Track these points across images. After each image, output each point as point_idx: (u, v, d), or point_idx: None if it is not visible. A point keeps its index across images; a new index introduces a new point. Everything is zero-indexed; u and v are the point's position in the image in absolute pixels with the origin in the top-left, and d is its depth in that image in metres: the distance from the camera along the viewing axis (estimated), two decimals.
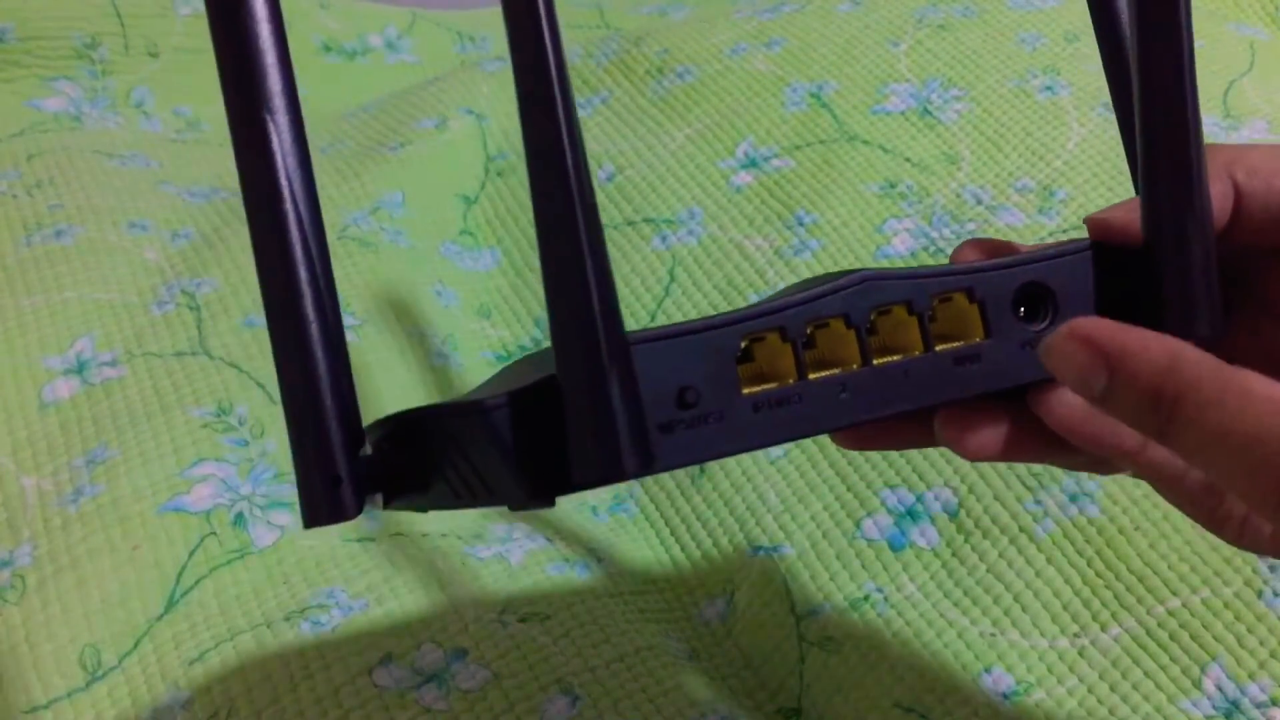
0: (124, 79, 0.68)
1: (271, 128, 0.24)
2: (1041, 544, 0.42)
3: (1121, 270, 0.27)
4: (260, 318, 0.50)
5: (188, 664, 0.39)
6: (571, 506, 0.49)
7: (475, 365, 0.54)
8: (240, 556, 0.42)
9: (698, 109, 0.63)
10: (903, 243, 0.54)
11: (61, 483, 0.44)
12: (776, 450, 0.48)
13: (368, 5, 0.80)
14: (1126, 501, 0.42)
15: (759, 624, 0.43)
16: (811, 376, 0.25)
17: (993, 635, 0.40)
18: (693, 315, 0.53)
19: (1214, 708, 0.37)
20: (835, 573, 0.43)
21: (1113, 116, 0.58)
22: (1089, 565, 0.41)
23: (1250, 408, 0.20)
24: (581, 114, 0.65)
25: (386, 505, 0.26)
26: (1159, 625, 0.39)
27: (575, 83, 0.68)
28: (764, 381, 0.24)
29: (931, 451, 0.45)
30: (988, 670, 0.39)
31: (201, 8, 0.70)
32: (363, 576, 0.42)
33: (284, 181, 0.24)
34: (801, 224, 0.56)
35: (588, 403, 0.21)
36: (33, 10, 0.66)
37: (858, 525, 0.44)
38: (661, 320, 0.54)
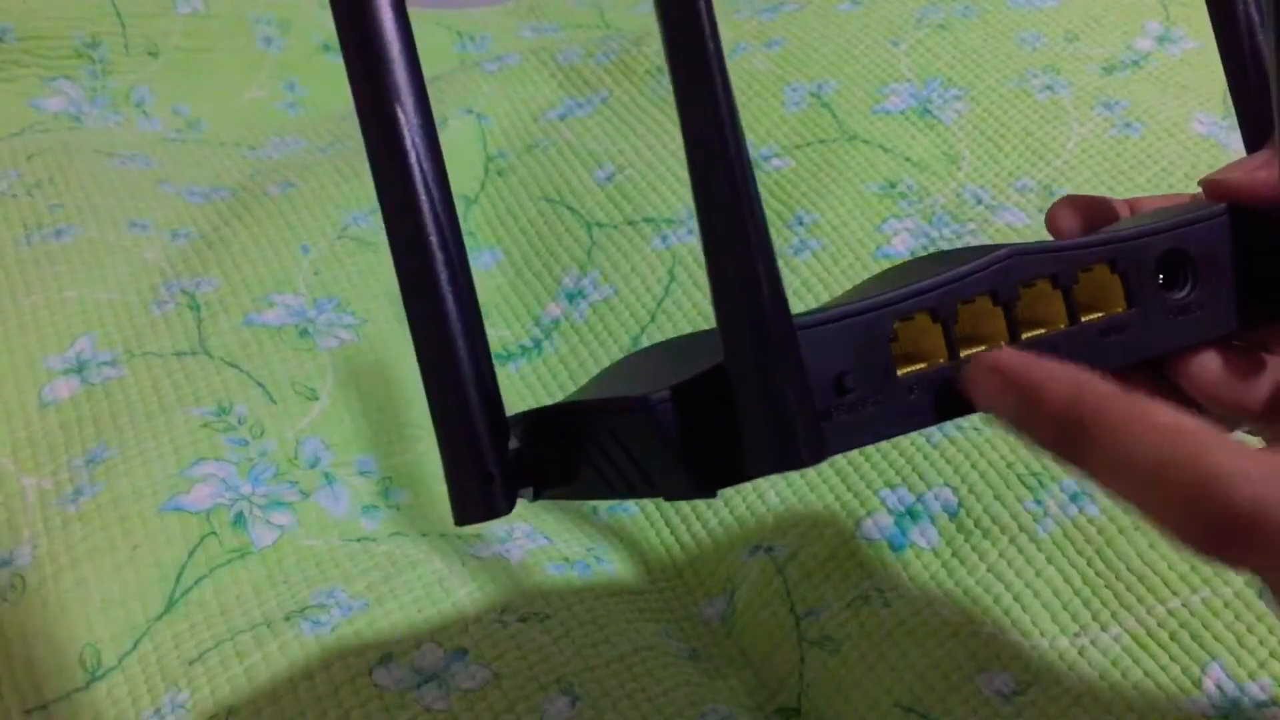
0: (124, 78, 0.68)
1: (402, 118, 0.24)
2: (1041, 544, 0.42)
3: (1258, 233, 0.26)
4: (259, 316, 0.50)
5: (187, 664, 0.39)
6: (571, 507, 0.49)
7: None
8: (240, 556, 0.42)
9: None
10: (903, 242, 0.54)
11: (61, 482, 0.44)
12: None
13: None
14: None
15: (759, 624, 0.43)
16: (963, 355, 0.24)
17: (993, 635, 0.40)
18: (693, 315, 0.53)
19: (1214, 707, 0.37)
20: (835, 573, 0.43)
21: (1112, 115, 0.58)
22: (1089, 565, 0.41)
23: (1153, 437, 0.21)
24: (581, 114, 0.65)
25: (536, 498, 0.26)
26: (1159, 625, 0.39)
27: (575, 82, 0.68)
28: (914, 362, 0.24)
29: (932, 451, 0.45)
30: (988, 670, 0.39)
31: (200, 7, 0.70)
32: (363, 576, 0.42)
33: (418, 175, 0.24)
34: (801, 223, 0.56)
35: (761, 393, 0.21)
36: (33, 10, 0.66)
37: (858, 525, 0.44)
38: (662, 320, 0.54)
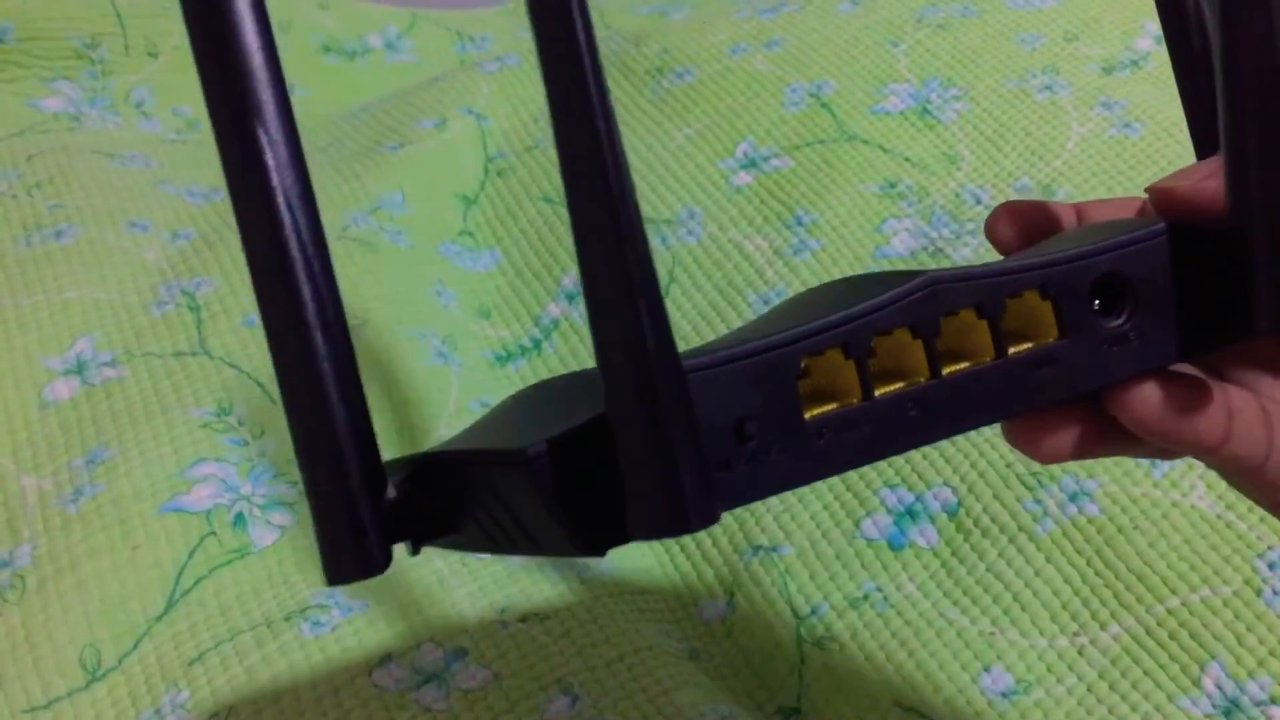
0: (124, 79, 0.68)
1: (265, 142, 0.21)
2: (1041, 543, 0.42)
3: (1200, 252, 0.24)
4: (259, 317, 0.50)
5: (187, 664, 0.39)
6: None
7: (475, 365, 0.54)
8: (240, 556, 0.42)
9: (697, 109, 0.63)
10: (902, 242, 0.54)
11: (61, 483, 0.44)
12: None
13: (367, 5, 0.81)
14: (1126, 501, 0.42)
15: (759, 624, 0.43)
16: (878, 394, 0.22)
17: (992, 634, 0.40)
18: (693, 316, 0.53)
19: (1213, 706, 0.37)
20: (835, 572, 0.43)
21: (1111, 115, 0.58)
22: (1088, 564, 0.41)
23: None
24: None
25: (415, 552, 0.24)
26: (1158, 624, 0.39)
27: None
28: (824, 401, 0.22)
29: (931, 451, 0.45)
30: (987, 669, 0.39)
31: None
32: None
33: (282, 205, 0.21)
34: (801, 224, 0.56)
35: (645, 449, 0.19)
36: (33, 11, 0.66)
37: (857, 525, 0.44)
38: None
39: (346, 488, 0.21)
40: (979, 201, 0.56)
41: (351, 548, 0.22)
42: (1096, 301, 0.24)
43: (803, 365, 0.21)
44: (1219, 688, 0.37)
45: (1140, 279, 0.24)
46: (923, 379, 0.23)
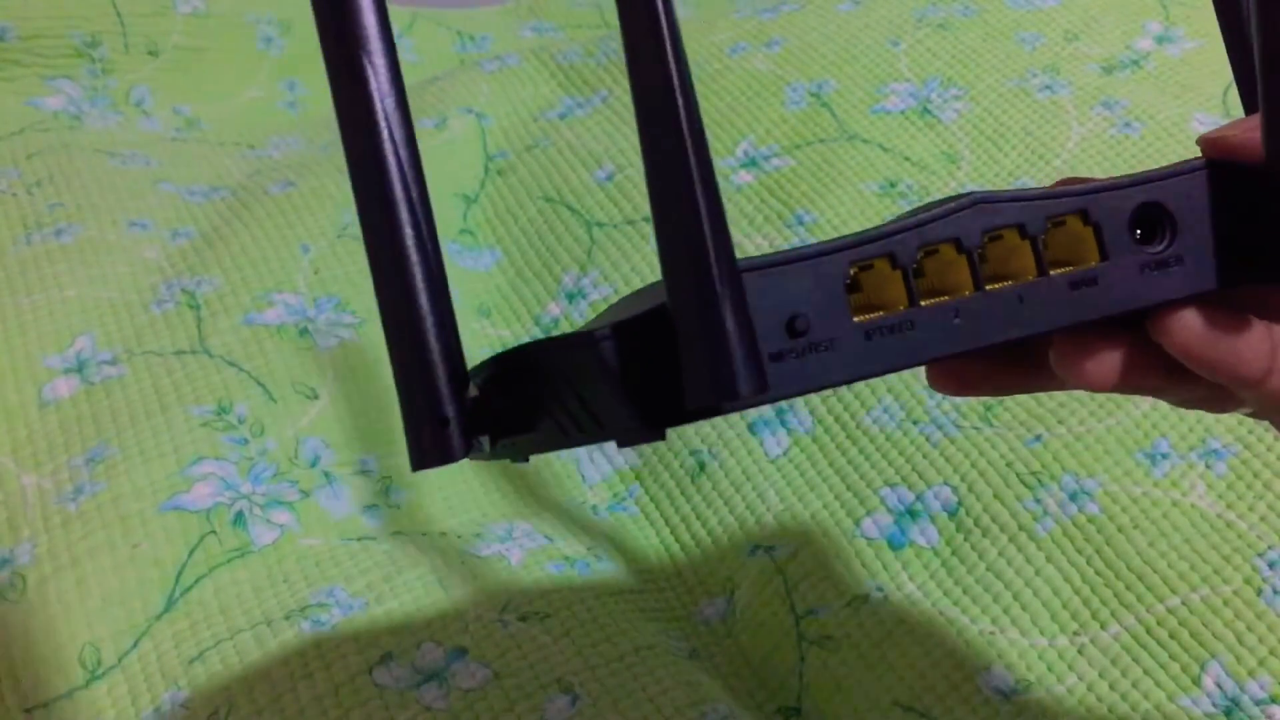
0: (124, 78, 0.68)
1: (369, 70, 0.23)
2: (1041, 542, 0.42)
3: (1239, 189, 0.26)
4: (259, 315, 0.50)
5: (187, 662, 0.39)
6: (572, 506, 0.49)
7: (476, 364, 0.54)
8: (240, 555, 0.42)
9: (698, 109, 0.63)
10: None
11: (61, 481, 0.44)
12: (776, 449, 0.48)
13: None
14: (1126, 500, 0.43)
15: (759, 623, 0.43)
16: (924, 303, 0.24)
17: (992, 634, 0.40)
18: None
19: (1213, 705, 0.37)
20: (835, 572, 0.43)
21: (1111, 115, 0.58)
22: (1088, 564, 0.41)
23: None
24: (581, 113, 0.65)
25: (493, 446, 0.26)
26: (1158, 623, 0.39)
27: (575, 82, 0.68)
28: (874, 310, 0.24)
29: (931, 451, 0.45)
30: (987, 669, 0.39)
31: (201, 7, 0.70)
32: (362, 575, 0.42)
33: (383, 125, 0.24)
34: (801, 223, 0.56)
35: (700, 328, 0.21)
36: (33, 9, 0.66)
37: (857, 524, 0.44)
38: None
39: (432, 381, 0.24)
40: None
41: (435, 436, 0.24)
42: (1138, 230, 0.26)
43: (853, 275, 0.23)
44: (1219, 687, 0.37)
45: (1180, 210, 0.26)
46: (968, 292, 0.24)
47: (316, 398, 0.48)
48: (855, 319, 0.23)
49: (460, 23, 0.83)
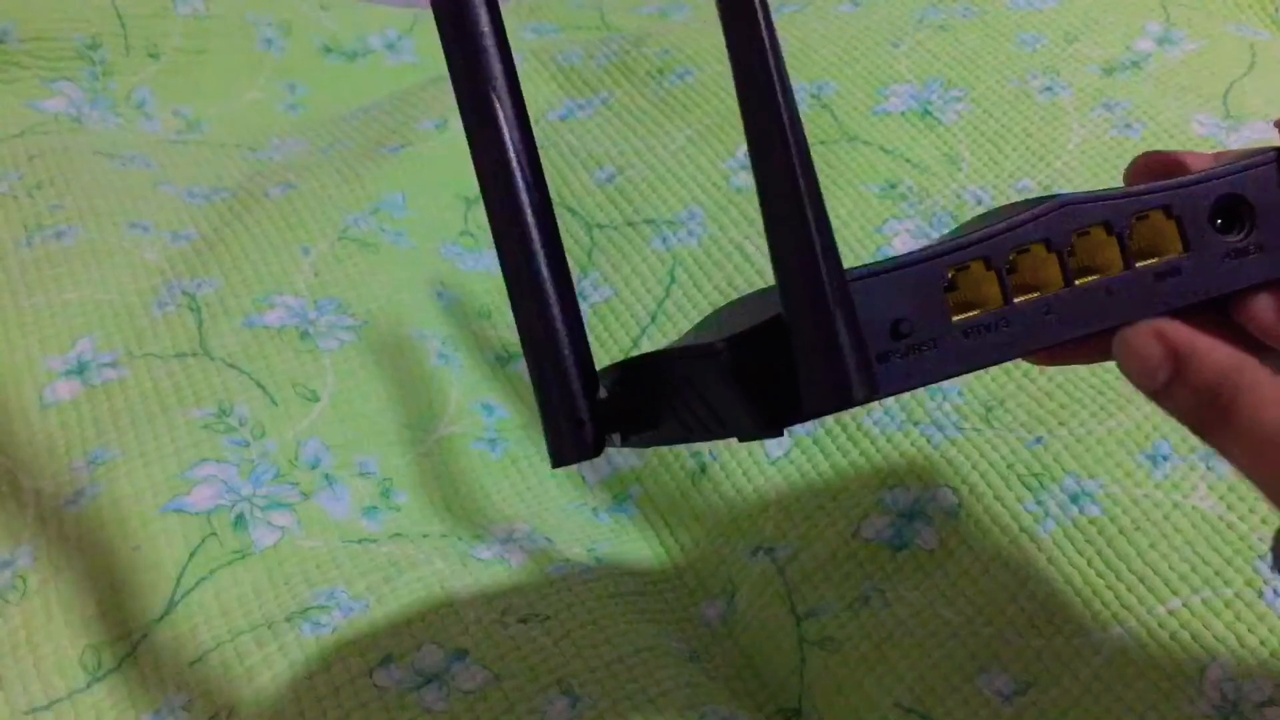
0: (124, 80, 0.68)
1: (497, 105, 0.26)
2: (1042, 543, 0.42)
3: None
4: (260, 317, 0.50)
5: (188, 665, 0.39)
6: (572, 507, 0.49)
7: (476, 366, 0.54)
8: (241, 557, 0.42)
9: (698, 109, 0.63)
10: (903, 243, 0.54)
11: (62, 484, 0.44)
12: (776, 450, 0.48)
13: (368, 6, 0.81)
14: (1127, 502, 0.42)
15: (759, 624, 0.43)
16: (1017, 300, 0.26)
17: (992, 635, 0.40)
18: (694, 316, 0.53)
19: (1214, 708, 0.37)
20: (835, 573, 0.43)
21: (1112, 116, 0.58)
22: (1089, 565, 0.41)
23: None
24: (582, 115, 0.65)
25: (623, 443, 0.28)
26: (1159, 625, 0.39)
27: (576, 84, 0.68)
28: (970, 309, 0.25)
29: (932, 452, 0.45)
30: (987, 670, 0.39)
31: (201, 9, 0.70)
32: (363, 577, 0.42)
33: (511, 152, 0.26)
34: None
35: (816, 340, 0.23)
36: (33, 11, 0.66)
37: (858, 525, 0.44)
38: (662, 321, 0.54)
39: (568, 385, 0.26)
40: (980, 202, 0.56)
41: (572, 435, 0.26)
42: (1217, 220, 0.27)
43: (950, 277, 0.25)
44: (1220, 689, 0.37)
45: (1258, 199, 0.27)
46: (1058, 288, 0.26)
47: (317, 400, 0.48)
48: (955, 318, 0.25)
49: None
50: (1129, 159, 0.60)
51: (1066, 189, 0.55)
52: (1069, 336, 0.26)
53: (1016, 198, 0.55)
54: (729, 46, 0.22)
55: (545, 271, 0.26)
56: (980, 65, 0.62)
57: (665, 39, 0.69)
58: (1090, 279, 0.26)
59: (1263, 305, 0.27)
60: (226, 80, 0.71)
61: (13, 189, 0.56)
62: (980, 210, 0.55)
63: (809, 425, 0.48)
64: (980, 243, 0.25)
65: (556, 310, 0.26)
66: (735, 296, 0.53)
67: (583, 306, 0.55)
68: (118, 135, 0.65)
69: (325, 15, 0.77)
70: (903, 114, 0.60)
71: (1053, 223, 0.26)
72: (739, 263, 0.55)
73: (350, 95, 0.74)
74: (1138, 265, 0.26)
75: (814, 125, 0.61)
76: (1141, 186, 0.27)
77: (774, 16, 0.22)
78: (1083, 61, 0.62)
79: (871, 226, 0.55)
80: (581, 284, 0.56)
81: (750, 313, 0.25)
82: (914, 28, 0.65)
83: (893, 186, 0.57)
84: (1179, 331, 0.25)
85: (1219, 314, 0.28)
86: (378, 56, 0.77)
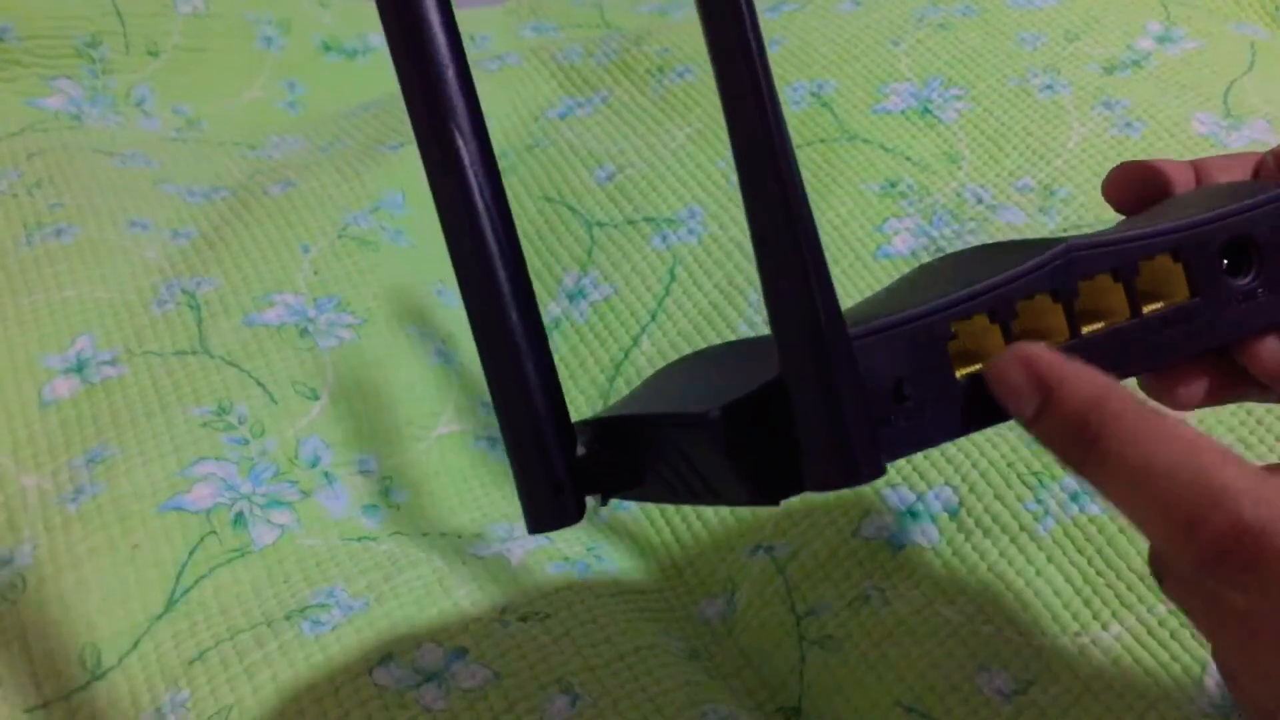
0: (124, 78, 0.68)
1: (459, 140, 0.24)
2: (1042, 543, 0.42)
3: None
4: (259, 315, 0.50)
5: (188, 663, 0.39)
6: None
7: (475, 366, 0.53)
8: (240, 555, 0.42)
9: (698, 108, 0.63)
10: (903, 242, 0.54)
11: (61, 482, 0.44)
12: None
13: (368, 4, 0.80)
14: None
15: (759, 623, 0.43)
16: None
17: (993, 634, 0.40)
18: (693, 315, 0.53)
19: (1213, 706, 0.37)
20: (835, 572, 0.43)
21: (1112, 115, 0.58)
22: (1089, 564, 0.41)
23: (1166, 445, 0.21)
24: (581, 113, 0.65)
25: (604, 504, 0.26)
26: (1159, 624, 0.39)
27: (576, 82, 0.68)
28: (971, 360, 0.24)
29: (932, 451, 0.45)
30: (988, 669, 0.39)
31: (201, 7, 0.70)
32: (363, 576, 0.42)
33: (476, 193, 0.24)
34: None
35: (820, 409, 0.21)
36: (33, 9, 0.66)
37: (858, 524, 0.44)
38: (662, 319, 0.54)
39: (544, 450, 0.24)
40: (980, 201, 0.56)
41: (550, 501, 0.25)
42: (1225, 261, 0.26)
43: (951, 329, 0.24)
44: (1220, 687, 0.37)
45: (1265, 240, 0.26)
46: (1063, 339, 0.24)
47: (317, 398, 0.48)
48: (958, 375, 0.24)
49: (460, 22, 0.83)
50: (1129, 158, 0.61)
51: (1067, 187, 0.55)
52: None
53: (1016, 196, 0.55)
54: (720, 89, 0.21)
55: (515, 319, 0.24)
56: (980, 64, 0.62)
57: (665, 37, 0.69)
58: (1097, 327, 0.25)
59: (1268, 350, 0.26)
60: (226, 78, 0.71)
61: (12, 187, 0.56)
62: (980, 209, 0.55)
63: None
64: (986, 294, 0.24)
65: (530, 366, 0.24)
66: (735, 294, 0.53)
67: (583, 305, 0.55)
68: (117, 133, 0.65)
69: (325, 13, 0.77)
70: (903, 112, 0.60)
71: (1059, 272, 0.24)
72: (739, 261, 0.55)
73: (350, 93, 0.74)
74: (1145, 311, 0.25)
75: (814, 123, 0.61)
76: (1148, 229, 0.25)
77: (774, 15, 0.21)
78: (1083, 60, 0.62)
79: (871, 225, 0.55)
80: (581, 282, 0.56)
81: (737, 371, 0.24)
82: (914, 26, 0.65)
83: (893, 185, 0.57)
84: (1049, 360, 0.23)
85: (1220, 355, 0.27)
86: (378, 54, 0.77)
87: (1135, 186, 0.30)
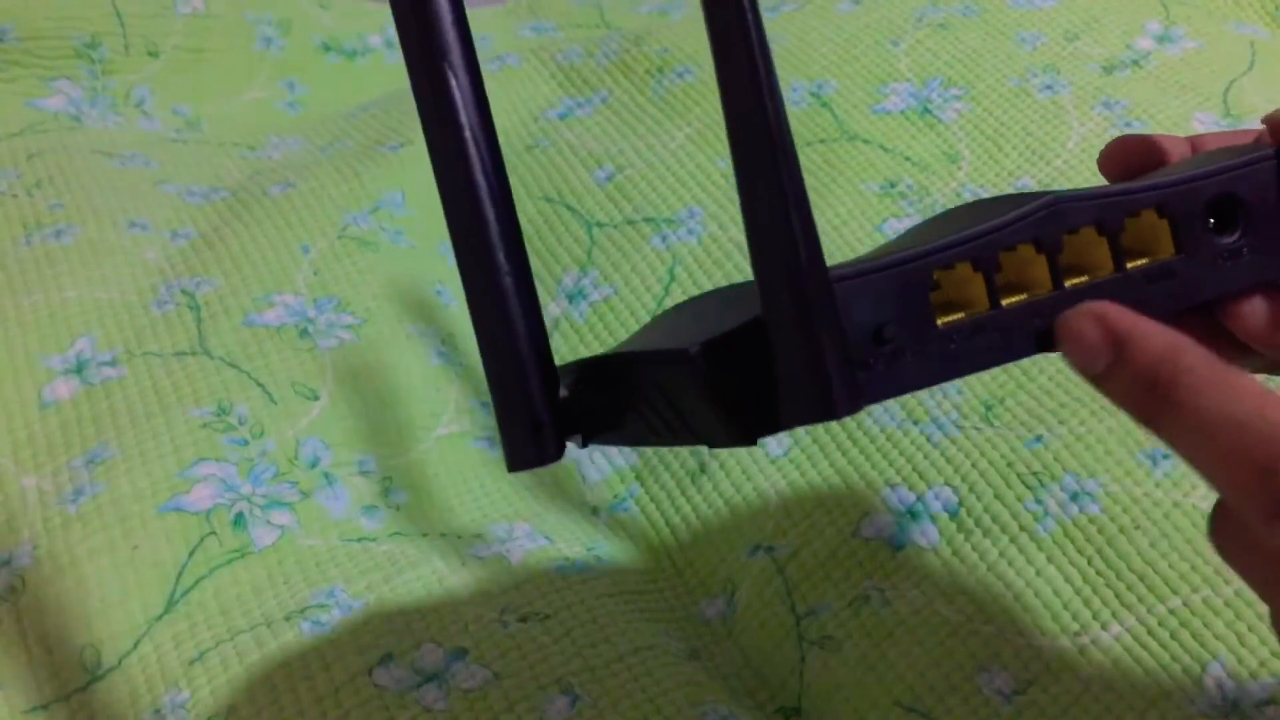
0: (124, 79, 0.68)
1: (452, 79, 0.24)
2: (1042, 543, 0.42)
3: None
4: (259, 316, 0.50)
5: (187, 664, 0.38)
6: (571, 506, 0.49)
7: (475, 365, 0.54)
8: (240, 556, 0.42)
9: (698, 108, 0.63)
10: None
11: (61, 483, 0.44)
12: (777, 449, 0.48)
13: (368, 5, 0.81)
14: (1127, 500, 0.42)
15: (759, 623, 0.43)
16: (1004, 303, 0.24)
17: (993, 634, 0.40)
18: None
19: (1214, 706, 0.37)
20: (835, 572, 0.43)
21: (1112, 114, 0.58)
22: (1089, 564, 0.41)
23: (1238, 398, 0.21)
24: (581, 113, 0.65)
25: (585, 444, 0.26)
26: (1159, 624, 0.39)
27: (575, 82, 0.68)
28: (954, 310, 0.24)
29: (932, 451, 0.45)
30: (988, 669, 0.39)
31: (200, 7, 0.70)
32: (363, 576, 0.42)
33: (468, 133, 0.24)
34: None
35: (798, 346, 0.21)
36: (33, 10, 0.66)
37: (858, 524, 0.44)
38: None
39: (526, 387, 0.25)
40: None
41: (530, 439, 0.25)
42: (1211, 220, 0.26)
43: (935, 278, 0.24)
44: (1220, 688, 0.37)
45: (1252, 199, 0.26)
46: (1046, 291, 0.24)
47: (317, 398, 0.48)
48: (939, 323, 0.24)
49: None
50: None
51: (1066, 187, 0.55)
52: (1057, 347, 0.25)
53: None
54: (708, 26, 0.21)
55: (501, 258, 0.25)
56: (980, 63, 0.62)
57: (665, 37, 0.69)
58: (1080, 280, 0.25)
59: (1252, 309, 0.26)
60: (226, 79, 0.71)
61: (12, 188, 0.56)
62: None
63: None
64: (968, 243, 0.24)
65: (515, 304, 0.25)
66: None
67: (583, 305, 0.55)
68: (117, 134, 0.65)
69: (325, 14, 0.77)
70: (902, 112, 0.60)
71: (1043, 222, 0.24)
72: (739, 261, 0.55)
73: (350, 93, 0.74)
74: (1129, 266, 0.25)
75: (813, 123, 0.60)
76: (1134, 184, 0.26)
77: (774, 15, 0.21)
78: (1083, 60, 0.62)
79: (871, 225, 0.55)
80: (581, 282, 0.56)
81: (722, 313, 0.24)
82: (914, 26, 0.65)
83: (892, 185, 0.57)
84: (1120, 315, 0.23)
85: (1203, 315, 0.27)
86: (377, 55, 0.77)
87: (1131, 159, 0.30)
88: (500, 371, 0.25)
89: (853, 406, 0.21)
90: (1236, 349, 0.27)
